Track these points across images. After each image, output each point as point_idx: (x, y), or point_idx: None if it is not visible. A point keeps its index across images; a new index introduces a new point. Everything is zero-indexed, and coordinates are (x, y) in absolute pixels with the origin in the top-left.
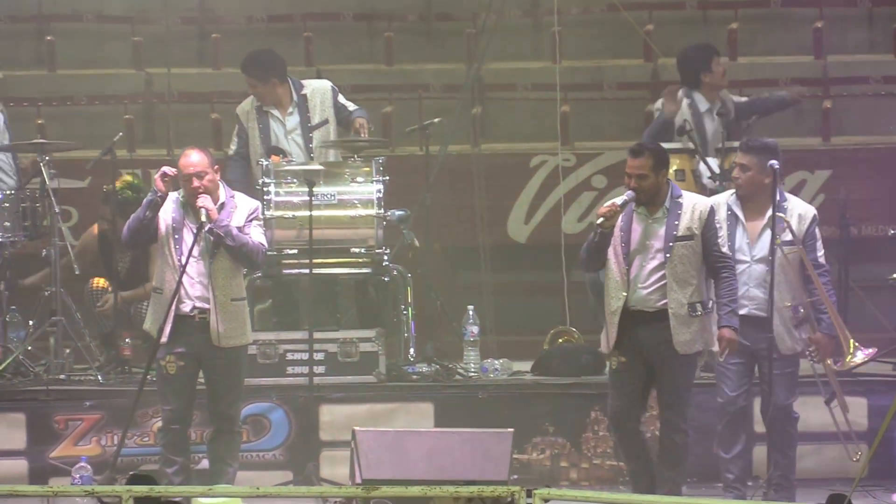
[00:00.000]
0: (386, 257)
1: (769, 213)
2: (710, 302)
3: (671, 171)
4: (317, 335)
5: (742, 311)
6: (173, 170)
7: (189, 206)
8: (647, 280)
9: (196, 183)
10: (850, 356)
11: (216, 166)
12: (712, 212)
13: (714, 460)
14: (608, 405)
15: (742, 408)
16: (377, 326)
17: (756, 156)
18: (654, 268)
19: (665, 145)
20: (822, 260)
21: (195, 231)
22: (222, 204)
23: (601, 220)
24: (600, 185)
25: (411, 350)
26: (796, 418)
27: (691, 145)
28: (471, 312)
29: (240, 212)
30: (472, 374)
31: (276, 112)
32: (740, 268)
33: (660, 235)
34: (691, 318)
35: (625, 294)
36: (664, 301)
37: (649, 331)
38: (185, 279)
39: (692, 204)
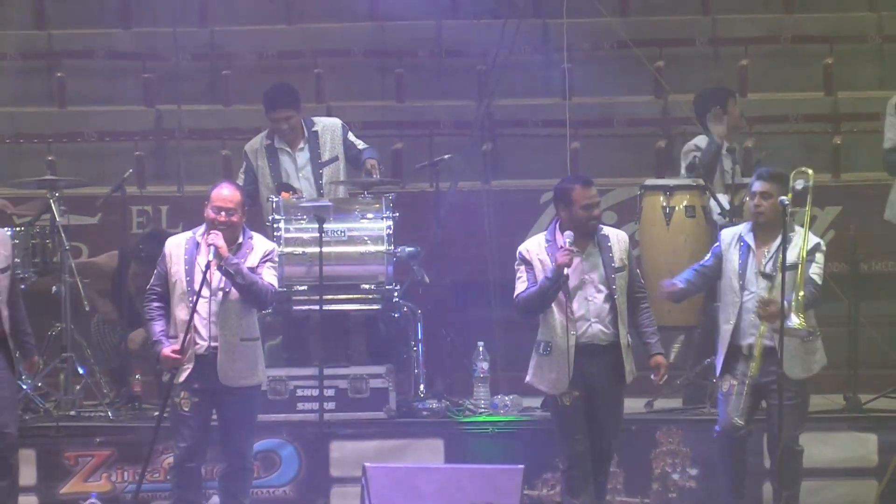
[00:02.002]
0: (396, 293)
1: (777, 241)
2: None
3: (681, 206)
4: (327, 371)
5: (748, 341)
6: (177, 356)
7: (204, 245)
8: (599, 314)
9: (223, 218)
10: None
11: (245, 207)
12: (629, 242)
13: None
14: (567, 447)
15: (742, 437)
16: (387, 363)
17: (776, 184)
18: (602, 301)
19: (675, 181)
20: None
21: (205, 269)
22: (239, 244)
23: (564, 268)
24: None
25: (421, 386)
26: (801, 451)
27: (702, 182)
28: (481, 348)
29: (255, 253)
30: (482, 410)
31: (287, 148)
32: (745, 297)
33: (599, 269)
34: (629, 349)
35: (574, 333)
36: (615, 333)
37: (601, 363)
38: (197, 319)
39: (615, 236)
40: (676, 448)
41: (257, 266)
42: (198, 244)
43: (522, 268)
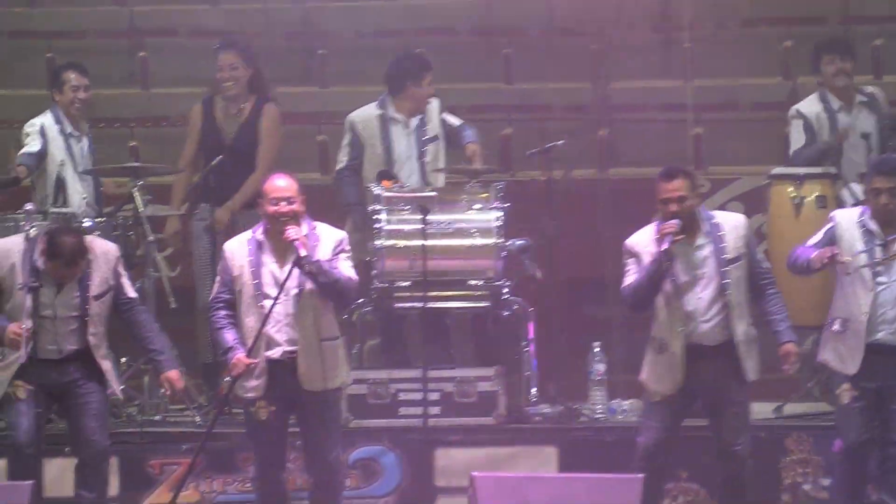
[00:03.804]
0: (506, 290)
1: None
2: None
3: (812, 196)
4: (431, 374)
5: (878, 335)
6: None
7: (268, 242)
8: (707, 313)
9: (286, 208)
10: None
11: (303, 196)
12: (748, 226)
13: None
14: (642, 441)
15: (868, 454)
16: (496, 364)
17: None
18: (711, 299)
19: (805, 170)
20: None
21: (290, 272)
22: (304, 237)
23: (668, 239)
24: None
25: (533, 390)
26: None
27: (833, 170)
28: (597, 349)
29: (324, 244)
30: (599, 415)
31: (403, 119)
32: (880, 287)
33: (710, 263)
34: (752, 344)
35: (682, 329)
36: (727, 332)
37: (712, 366)
38: (270, 324)
39: (730, 222)
40: (807, 456)
41: (331, 258)
42: (260, 243)
43: (631, 261)
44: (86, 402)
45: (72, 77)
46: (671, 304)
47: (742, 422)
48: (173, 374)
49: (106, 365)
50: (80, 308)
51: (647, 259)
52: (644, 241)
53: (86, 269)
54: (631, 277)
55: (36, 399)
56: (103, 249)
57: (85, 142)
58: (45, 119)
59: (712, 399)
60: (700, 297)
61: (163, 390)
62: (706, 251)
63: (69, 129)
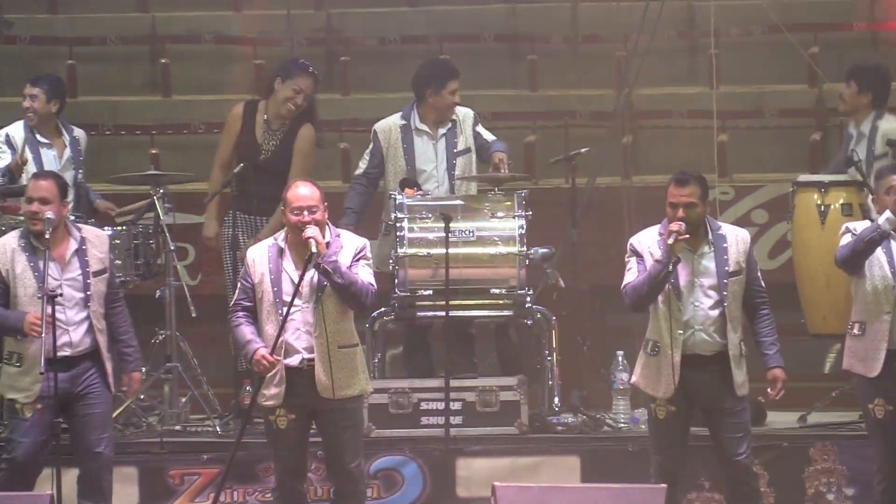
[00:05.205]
0: (528, 298)
1: None
2: None
3: (837, 204)
4: (454, 383)
5: None
6: (274, 359)
7: (289, 250)
8: (705, 322)
9: (307, 217)
10: None
11: (326, 203)
12: (751, 242)
13: None
14: (654, 460)
15: None
16: (519, 373)
17: None
18: (709, 307)
19: (830, 177)
20: None
21: (303, 271)
22: (327, 243)
23: (673, 237)
24: (761, 221)
25: (556, 399)
26: None
27: (859, 177)
28: (620, 358)
29: (346, 251)
30: (622, 424)
31: (428, 130)
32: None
33: (711, 272)
34: (741, 359)
35: (680, 332)
36: (722, 342)
37: (706, 376)
38: (290, 331)
39: (735, 236)
40: (832, 466)
41: (351, 265)
42: (282, 250)
43: (633, 259)
44: (91, 413)
45: (26, 88)
46: (670, 308)
47: (741, 430)
48: (138, 375)
49: (108, 366)
50: (83, 286)
51: (648, 259)
52: (647, 240)
53: (82, 246)
54: (631, 275)
55: (42, 419)
56: (95, 233)
57: (67, 151)
58: (12, 129)
59: (708, 409)
60: (698, 305)
61: (124, 388)
62: (708, 260)
63: (38, 137)
